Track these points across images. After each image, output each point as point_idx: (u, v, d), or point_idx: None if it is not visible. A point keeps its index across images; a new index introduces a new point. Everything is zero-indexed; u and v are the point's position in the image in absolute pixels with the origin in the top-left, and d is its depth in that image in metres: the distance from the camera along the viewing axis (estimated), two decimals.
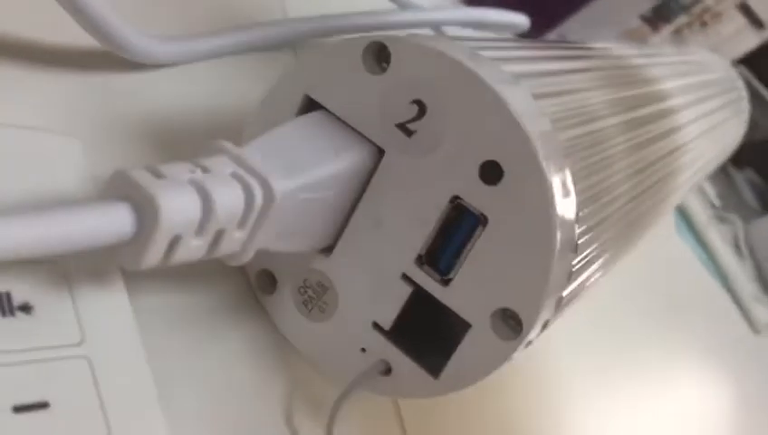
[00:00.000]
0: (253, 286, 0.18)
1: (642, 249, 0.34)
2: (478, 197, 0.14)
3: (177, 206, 0.11)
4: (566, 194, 0.14)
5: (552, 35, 0.43)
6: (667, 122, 0.23)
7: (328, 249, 0.16)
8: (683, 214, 0.43)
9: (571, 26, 0.43)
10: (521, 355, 0.16)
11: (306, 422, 0.17)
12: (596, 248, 0.17)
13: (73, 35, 0.17)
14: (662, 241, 0.39)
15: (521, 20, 0.32)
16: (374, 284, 0.16)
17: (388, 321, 0.16)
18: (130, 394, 0.13)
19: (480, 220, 0.15)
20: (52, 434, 0.11)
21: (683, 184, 0.26)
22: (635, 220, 0.20)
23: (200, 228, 0.12)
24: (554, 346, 0.25)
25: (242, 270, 0.17)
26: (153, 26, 0.19)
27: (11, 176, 0.13)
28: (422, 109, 0.15)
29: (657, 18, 0.49)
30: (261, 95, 0.16)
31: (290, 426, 0.16)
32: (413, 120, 0.15)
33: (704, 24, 0.50)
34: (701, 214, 0.44)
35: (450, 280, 0.15)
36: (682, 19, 0.50)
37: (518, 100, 0.14)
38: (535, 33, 0.36)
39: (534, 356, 0.24)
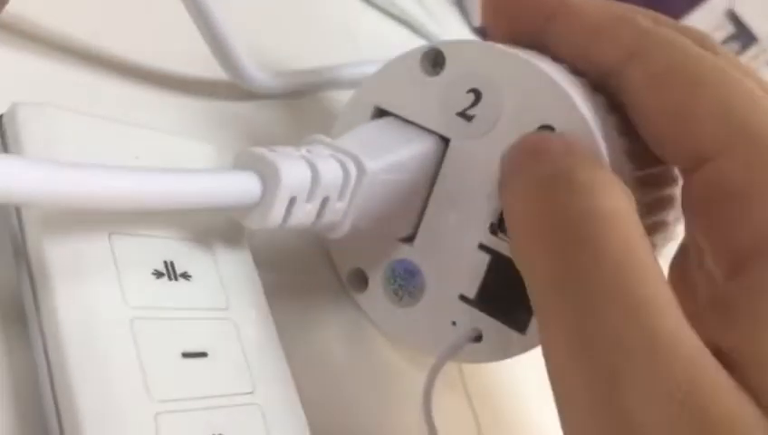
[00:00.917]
0: (346, 286, 0.20)
1: None
2: None
3: (294, 171, 0.14)
4: (614, 150, 0.17)
5: None
6: None
7: (410, 238, 0.18)
8: None
9: None
10: None
11: (404, 393, 0.18)
12: (655, 216, 0.19)
13: (201, 68, 0.20)
14: None
15: None
16: (456, 259, 0.18)
17: (473, 290, 0.18)
18: (265, 351, 0.15)
19: None
20: (211, 377, 0.13)
21: None
22: None
23: (310, 194, 0.14)
24: None
25: (334, 272, 0.20)
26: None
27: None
28: (477, 95, 0.17)
29: None
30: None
31: (392, 399, 0.18)
32: (471, 106, 0.17)
33: None
34: None
35: None
36: None
37: (559, 73, 0.17)
38: None
39: None
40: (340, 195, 0.15)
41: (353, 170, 0.15)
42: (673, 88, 0.16)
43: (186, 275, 0.14)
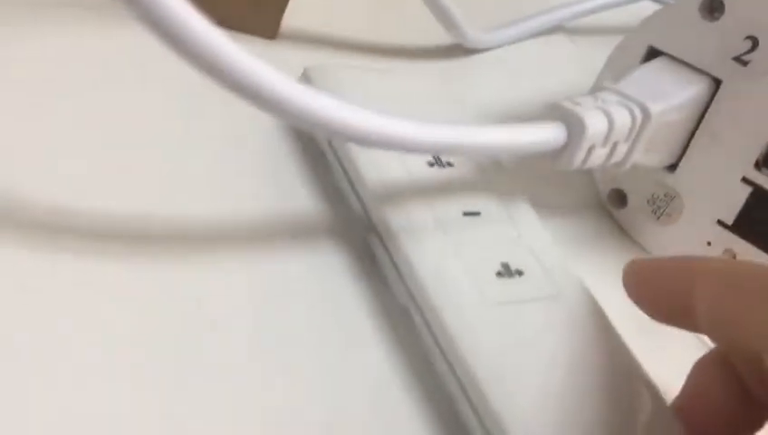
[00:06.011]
0: (605, 204, 0.22)
1: None
2: None
3: (595, 122, 0.17)
4: None
5: None
6: None
7: (671, 167, 0.21)
8: None
9: None
10: None
11: None
12: None
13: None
14: None
15: None
16: (716, 188, 0.20)
17: (731, 217, 0.20)
18: None
19: None
20: None
21: None
22: None
23: (605, 140, 0.17)
24: None
25: (595, 189, 0.22)
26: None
27: None
28: (755, 42, 0.19)
29: None
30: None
31: None
32: (747, 52, 0.19)
33: None
34: None
35: None
36: None
37: None
38: None
39: None
40: (627, 138, 0.18)
41: (639, 116, 0.18)
42: None
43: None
